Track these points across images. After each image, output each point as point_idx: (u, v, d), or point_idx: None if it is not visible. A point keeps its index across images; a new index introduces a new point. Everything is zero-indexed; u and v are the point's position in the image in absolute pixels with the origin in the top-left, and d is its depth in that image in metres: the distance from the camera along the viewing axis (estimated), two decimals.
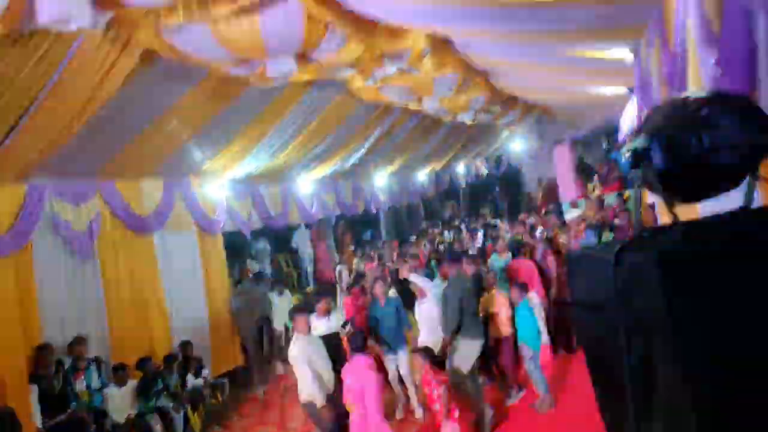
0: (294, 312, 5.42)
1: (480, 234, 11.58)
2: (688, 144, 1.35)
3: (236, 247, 10.96)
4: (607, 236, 8.00)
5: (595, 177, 14.19)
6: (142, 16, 4.01)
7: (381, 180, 14.16)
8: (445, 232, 13.73)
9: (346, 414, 4.79)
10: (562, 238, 8.47)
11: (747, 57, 2.13)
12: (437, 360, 5.39)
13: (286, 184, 10.69)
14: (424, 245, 11.36)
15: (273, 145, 8.73)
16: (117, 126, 6.08)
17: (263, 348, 9.51)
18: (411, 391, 6.28)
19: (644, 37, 4.41)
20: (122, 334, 6.96)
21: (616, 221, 8.75)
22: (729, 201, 1.53)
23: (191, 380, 7.10)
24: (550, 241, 8.38)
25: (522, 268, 7.27)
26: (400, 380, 6.36)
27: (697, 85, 2.75)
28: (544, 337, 6.43)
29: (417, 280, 6.55)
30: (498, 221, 13.77)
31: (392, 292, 6.76)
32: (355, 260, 11.63)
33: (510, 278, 7.02)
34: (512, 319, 6.15)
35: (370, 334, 6.26)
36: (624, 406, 1.42)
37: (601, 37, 4.74)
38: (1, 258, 5.74)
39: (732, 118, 1.37)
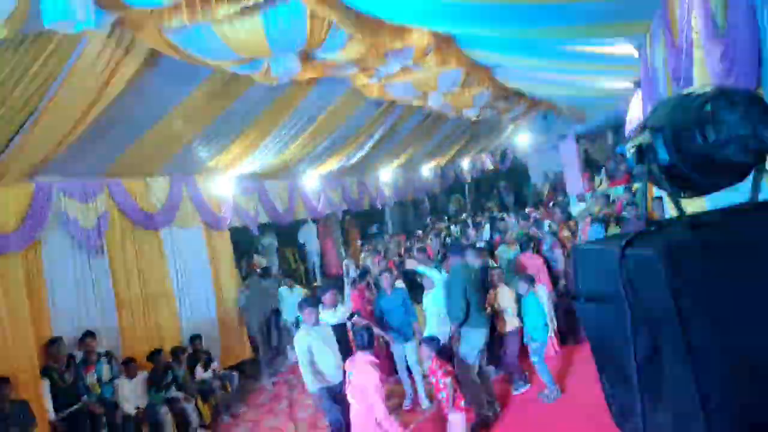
0: (302, 303, 5.49)
1: (487, 227, 11.58)
2: (693, 139, 1.36)
3: (243, 243, 11.01)
4: (614, 230, 8.01)
5: (603, 171, 14.15)
6: (147, 16, 4.03)
7: (386, 175, 14.17)
8: (452, 227, 13.74)
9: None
10: (565, 232, 8.49)
11: (753, 51, 2.13)
12: (444, 350, 5.41)
13: (292, 180, 10.72)
14: (430, 239, 11.37)
15: (278, 142, 8.76)
16: (123, 125, 6.13)
17: (271, 341, 9.58)
18: (418, 381, 6.32)
19: (649, 32, 4.39)
20: (132, 328, 7.06)
21: (624, 214, 8.76)
22: (735, 195, 1.54)
23: (200, 373, 7.19)
24: (557, 235, 8.41)
25: (530, 262, 7.30)
26: (408, 370, 6.41)
27: (702, 80, 2.74)
28: (551, 330, 6.47)
29: (424, 270, 6.58)
30: (504, 215, 13.77)
31: (399, 283, 6.81)
32: (362, 255, 11.67)
33: (517, 271, 7.05)
34: (519, 312, 6.19)
35: (378, 324, 6.32)
36: (631, 398, 1.44)
37: (606, 33, 4.73)
38: (11, 255, 5.82)
39: (737, 113, 1.37)
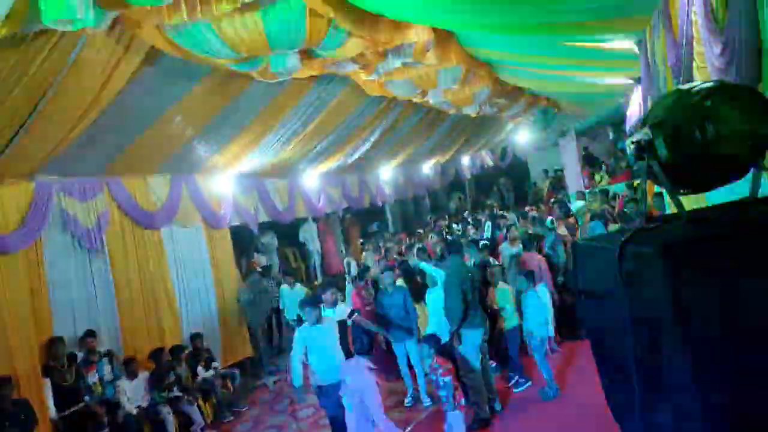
0: (303, 302, 5.49)
1: (488, 225, 11.57)
2: (692, 135, 1.36)
3: (243, 242, 11.01)
4: (614, 226, 8.01)
5: (603, 167, 14.14)
6: (146, 14, 4.03)
7: (387, 173, 14.16)
8: (454, 225, 13.73)
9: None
10: (562, 230, 8.50)
11: (752, 47, 2.12)
12: (445, 349, 5.41)
13: (292, 178, 10.72)
14: (431, 237, 11.37)
15: (278, 140, 8.75)
16: (123, 123, 6.12)
17: (272, 339, 9.58)
18: (419, 379, 6.33)
19: (650, 27, 4.38)
20: (133, 327, 7.06)
21: (626, 210, 8.77)
22: (734, 191, 1.54)
23: (202, 372, 7.20)
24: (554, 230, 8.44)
25: (532, 260, 7.30)
26: (410, 368, 6.42)
27: (702, 75, 2.74)
28: (551, 327, 6.48)
29: (427, 267, 6.58)
30: (505, 213, 13.77)
31: (400, 282, 6.80)
32: (363, 254, 11.67)
33: (520, 268, 7.06)
34: (518, 309, 6.19)
35: (379, 323, 6.32)
36: (630, 394, 1.44)
37: (606, 28, 4.72)
38: (12, 254, 5.82)
39: (736, 109, 1.37)
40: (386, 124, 10.61)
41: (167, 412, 6.26)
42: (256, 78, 5.87)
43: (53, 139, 5.62)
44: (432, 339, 5.37)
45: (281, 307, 9.37)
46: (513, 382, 6.23)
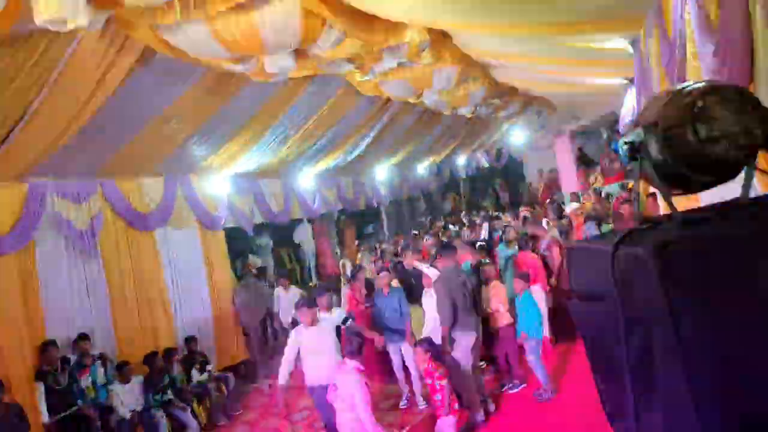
0: (298, 304, 5.48)
1: (485, 226, 11.56)
2: (685, 135, 1.35)
3: (238, 243, 10.99)
4: (608, 227, 8.04)
5: (598, 168, 14.17)
6: (140, 14, 4.01)
7: (382, 174, 14.16)
8: (450, 226, 13.73)
9: None
10: (554, 232, 8.51)
11: (745, 47, 2.12)
12: (440, 352, 5.40)
13: (287, 179, 10.70)
14: (426, 239, 11.37)
15: (273, 140, 8.73)
16: (117, 124, 6.09)
17: (267, 341, 9.55)
18: (415, 382, 6.32)
19: (643, 27, 4.39)
20: (127, 330, 7.02)
21: (620, 211, 8.78)
22: (727, 192, 1.54)
23: (196, 375, 7.16)
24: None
25: (527, 261, 7.31)
26: (405, 369, 6.40)
27: (695, 76, 2.74)
28: (545, 328, 6.48)
29: (423, 268, 6.57)
30: (500, 214, 13.78)
31: (395, 283, 6.79)
32: (358, 255, 11.66)
33: (515, 269, 7.07)
34: (512, 310, 6.19)
35: (373, 324, 6.28)
36: (624, 396, 1.43)
37: (600, 28, 4.72)
38: (4, 256, 5.78)
39: (729, 109, 1.37)
40: (381, 125, 10.60)
41: (161, 417, 6.22)
42: (250, 78, 5.86)
43: (46, 140, 5.59)
44: (427, 342, 5.36)
45: (276, 310, 9.35)
46: (509, 385, 6.23)
